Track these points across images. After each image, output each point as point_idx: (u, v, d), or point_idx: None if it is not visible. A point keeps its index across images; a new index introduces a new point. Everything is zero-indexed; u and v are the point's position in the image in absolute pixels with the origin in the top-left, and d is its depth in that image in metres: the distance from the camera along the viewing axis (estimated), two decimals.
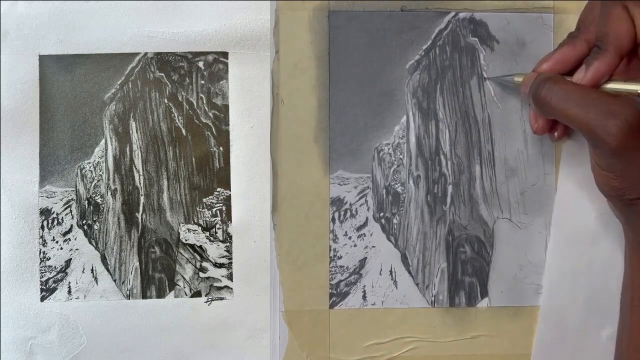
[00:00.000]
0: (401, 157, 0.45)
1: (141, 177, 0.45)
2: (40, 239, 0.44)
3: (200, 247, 0.45)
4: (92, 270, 0.44)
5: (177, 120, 0.45)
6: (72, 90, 0.44)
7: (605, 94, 0.37)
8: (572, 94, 0.37)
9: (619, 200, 0.38)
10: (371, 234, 0.45)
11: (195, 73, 0.45)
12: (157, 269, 0.45)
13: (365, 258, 0.45)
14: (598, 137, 0.36)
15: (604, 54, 0.38)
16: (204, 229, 0.45)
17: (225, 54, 0.45)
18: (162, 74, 0.45)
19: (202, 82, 0.45)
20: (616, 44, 0.38)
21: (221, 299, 0.45)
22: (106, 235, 0.45)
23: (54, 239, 0.44)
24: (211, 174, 0.45)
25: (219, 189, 0.45)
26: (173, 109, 0.45)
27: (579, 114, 0.36)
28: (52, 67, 0.44)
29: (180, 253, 0.45)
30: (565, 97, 0.37)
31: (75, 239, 0.44)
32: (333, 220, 0.44)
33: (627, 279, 0.40)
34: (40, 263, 0.44)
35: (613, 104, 0.36)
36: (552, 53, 0.41)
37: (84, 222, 0.44)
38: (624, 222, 0.40)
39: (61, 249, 0.44)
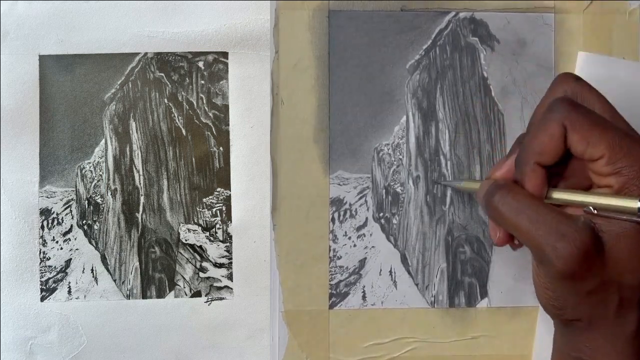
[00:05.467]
0: (401, 157, 0.45)
1: (141, 177, 0.45)
2: (40, 239, 0.44)
3: (200, 247, 0.45)
4: (92, 270, 0.44)
5: (177, 120, 0.45)
6: (72, 90, 0.44)
7: (560, 213, 0.34)
8: (524, 207, 0.34)
9: (557, 318, 0.36)
10: (371, 234, 0.45)
11: (195, 73, 0.45)
12: (157, 269, 0.45)
13: (365, 258, 0.45)
14: (545, 257, 0.33)
15: (525, 166, 0.35)
16: (204, 229, 0.45)
17: (225, 54, 0.45)
18: (162, 74, 0.45)
19: (202, 82, 0.45)
20: (538, 158, 0.34)
21: (221, 299, 0.45)
22: (106, 235, 0.45)
23: (54, 239, 0.44)
24: (211, 174, 0.45)
25: (219, 189, 0.45)
26: (173, 109, 0.45)
27: (529, 229, 0.33)
28: (52, 67, 0.44)
29: (180, 253, 0.45)
30: (517, 209, 0.34)
31: (75, 239, 0.44)
32: (333, 220, 0.44)
33: None
34: (40, 263, 0.44)
35: (566, 224, 0.33)
36: (504, 159, 0.38)
37: (84, 222, 0.45)
38: (559, 335, 0.37)
39: (61, 249, 0.44)
